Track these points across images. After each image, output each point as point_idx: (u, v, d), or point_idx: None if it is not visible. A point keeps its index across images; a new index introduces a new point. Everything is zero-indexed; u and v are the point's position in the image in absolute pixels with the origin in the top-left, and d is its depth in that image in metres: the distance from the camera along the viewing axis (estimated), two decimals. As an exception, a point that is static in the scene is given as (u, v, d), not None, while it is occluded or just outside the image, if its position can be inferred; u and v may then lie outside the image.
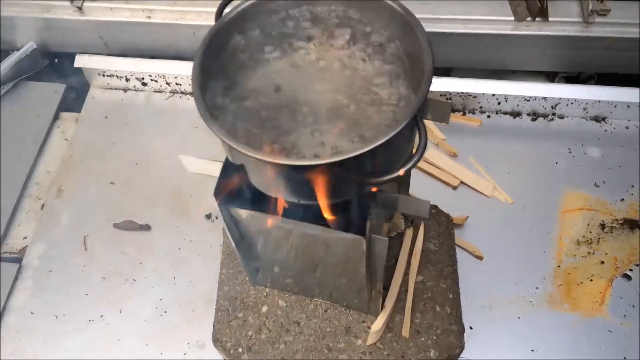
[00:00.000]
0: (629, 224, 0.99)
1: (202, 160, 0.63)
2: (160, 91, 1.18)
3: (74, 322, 0.92)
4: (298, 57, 0.61)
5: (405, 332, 0.78)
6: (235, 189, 0.61)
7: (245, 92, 0.60)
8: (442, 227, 0.88)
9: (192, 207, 1.04)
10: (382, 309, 0.79)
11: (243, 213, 0.63)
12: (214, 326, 0.81)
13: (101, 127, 1.14)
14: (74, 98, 1.21)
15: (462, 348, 0.79)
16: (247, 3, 0.60)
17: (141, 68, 1.13)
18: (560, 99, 1.08)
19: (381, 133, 0.47)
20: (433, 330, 0.79)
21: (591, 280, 0.94)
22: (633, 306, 0.91)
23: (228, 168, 0.61)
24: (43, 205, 1.05)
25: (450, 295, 0.82)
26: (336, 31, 0.59)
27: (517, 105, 1.11)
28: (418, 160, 0.46)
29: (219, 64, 0.59)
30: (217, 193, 0.61)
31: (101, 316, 0.93)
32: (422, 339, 0.79)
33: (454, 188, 1.03)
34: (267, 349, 0.78)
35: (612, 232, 0.98)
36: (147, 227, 1.01)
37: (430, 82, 0.49)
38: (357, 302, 0.80)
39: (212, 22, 1.11)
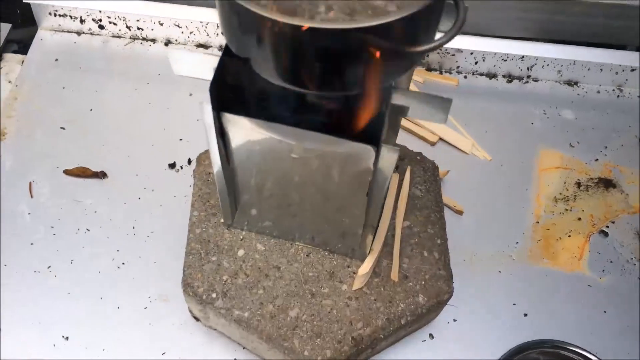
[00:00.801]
0: (603, 183, 0.99)
1: (196, 54, 0.54)
2: (118, 36, 1.09)
3: (16, 274, 0.82)
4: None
5: (394, 275, 0.74)
6: (231, 93, 0.54)
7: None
8: (427, 173, 0.84)
9: (153, 155, 0.95)
10: (369, 252, 0.74)
11: (238, 121, 0.56)
12: (183, 271, 0.73)
13: (50, 70, 1.04)
14: (21, 40, 1.09)
15: (451, 294, 0.75)
16: None
17: (100, 6, 1.04)
18: (536, 58, 1.07)
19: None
20: (421, 275, 0.75)
21: (569, 236, 0.92)
22: (611, 262, 0.90)
23: (225, 64, 0.54)
24: (-18, 148, 0.94)
25: (438, 241, 0.78)
26: None
27: (494, 65, 1.09)
28: (456, 33, 0.42)
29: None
30: (211, 91, 0.53)
31: (48, 267, 0.83)
32: (410, 284, 0.74)
33: (433, 144, 1.00)
34: (244, 294, 0.71)
35: (587, 191, 0.98)
36: (102, 175, 0.92)
37: None
38: (341, 246, 0.75)
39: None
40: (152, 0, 1.05)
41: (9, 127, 0.96)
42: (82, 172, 0.92)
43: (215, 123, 0.56)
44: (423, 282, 0.74)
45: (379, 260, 0.75)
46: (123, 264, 0.84)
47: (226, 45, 0.52)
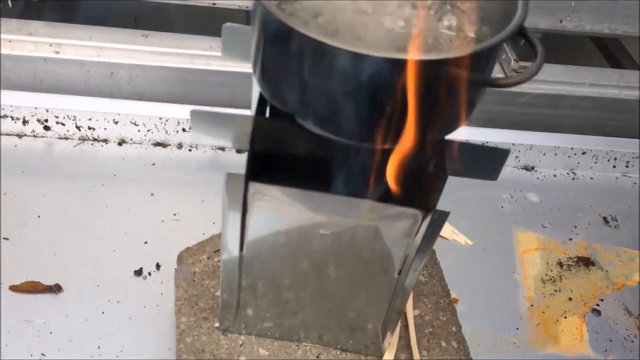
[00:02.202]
0: (582, 261, 0.99)
1: (216, 110, 0.48)
2: (65, 138, 1.00)
3: (-48, 418, 0.66)
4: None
5: (419, 371, 0.66)
6: (263, 161, 0.48)
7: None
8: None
9: (115, 262, 0.84)
10: (388, 346, 0.66)
11: (269, 193, 0.49)
12: (177, 390, 0.62)
13: (-14, 176, 0.92)
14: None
15: (478, 386, 0.68)
16: None
17: (47, 104, 0.95)
18: (495, 144, 1.09)
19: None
20: (445, 368, 0.68)
21: (565, 317, 0.90)
22: (610, 340, 0.88)
23: (259, 126, 0.48)
24: None
25: (453, 329, 0.72)
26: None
27: (457, 153, 1.10)
28: (540, 66, 0.40)
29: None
30: (249, 157, 0.46)
31: (-5, 406, 0.67)
32: (436, 379, 0.67)
33: (413, 232, 0.97)
34: (254, 411, 0.61)
35: (570, 270, 0.97)
36: (57, 288, 0.79)
37: None
38: (352, 343, 0.67)
39: (133, 61, 1.01)
40: (107, 97, 0.98)
41: (-61, 240, 0.82)
42: (32, 288, 0.78)
43: (241, 197, 0.49)
44: (448, 376, 0.67)
45: (395, 355, 0.68)
46: (88, 392, 0.70)
47: (258, 106, 0.47)
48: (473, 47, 0.39)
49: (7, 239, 0.84)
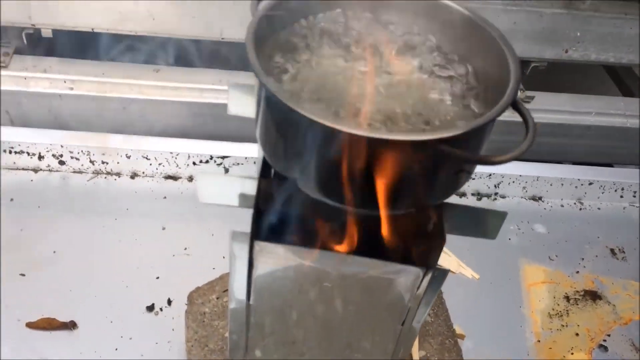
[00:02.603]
0: (589, 295, 0.99)
1: (226, 178, 0.50)
2: (80, 172, 1.02)
3: None
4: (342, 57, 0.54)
5: (425, 415, 0.67)
6: (268, 219, 0.49)
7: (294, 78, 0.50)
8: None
9: (127, 298, 0.86)
10: (394, 390, 0.67)
11: (273, 250, 0.51)
12: None
13: (5, 211, 0.94)
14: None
15: None
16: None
17: (61, 141, 0.98)
18: (502, 176, 1.11)
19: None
20: (451, 411, 0.69)
21: (572, 353, 0.90)
22: (618, 376, 0.89)
23: (262, 188, 0.49)
24: None
25: (460, 370, 0.73)
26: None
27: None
28: (532, 141, 0.41)
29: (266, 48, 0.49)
30: (253, 217, 0.48)
31: None
32: (441, 422, 0.68)
33: (420, 266, 0.98)
34: None
35: (577, 304, 0.98)
36: (72, 325, 0.81)
37: (518, 62, 0.45)
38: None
39: (144, 96, 1.03)
40: (119, 134, 1.00)
41: (-42, 277, 0.84)
42: (48, 324, 0.81)
43: (247, 254, 0.51)
44: (454, 419, 0.68)
45: (403, 398, 0.69)
46: None
47: (262, 167, 0.49)
48: (462, 126, 0.41)
49: (23, 275, 0.86)
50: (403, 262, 0.49)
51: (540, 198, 1.15)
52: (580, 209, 1.15)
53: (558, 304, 0.97)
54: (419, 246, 0.49)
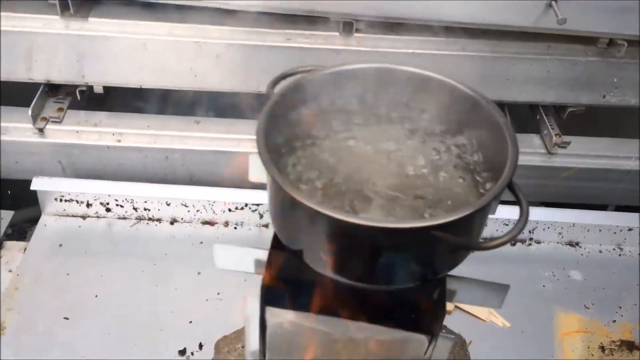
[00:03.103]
0: (626, 345, 0.97)
1: (240, 249, 0.54)
2: (124, 218, 1.08)
3: None
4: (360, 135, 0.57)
5: None
6: (279, 286, 0.53)
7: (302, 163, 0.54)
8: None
9: (161, 341, 0.90)
10: None
11: (284, 315, 0.54)
12: None
13: (54, 257, 1.01)
14: (22, 226, 1.08)
15: None
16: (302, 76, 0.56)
17: (107, 190, 1.05)
18: (537, 222, 1.10)
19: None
20: None
21: (606, 406, 0.88)
22: None
23: (273, 258, 0.53)
24: (-21, 345, 0.88)
25: None
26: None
27: (496, 230, 1.11)
28: (523, 226, 0.43)
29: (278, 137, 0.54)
30: (263, 287, 0.52)
31: None
32: None
33: (449, 313, 0.98)
34: None
35: (612, 355, 0.95)
36: (109, 367, 0.86)
37: (516, 145, 0.46)
38: None
39: (186, 147, 1.09)
40: (160, 184, 1.07)
41: (8, 320, 0.91)
42: (87, 366, 0.86)
43: (259, 318, 0.54)
44: None
45: None
46: None
47: (274, 238, 0.52)
48: (454, 213, 0.42)
49: (67, 318, 0.92)
50: (409, 329, 0.51)
51: (577, 243, 1.13)
52: (620, 255, 1.12)
53: (592, 355, 0.95)
54: (422, 315, 0.51)
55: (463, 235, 0.44)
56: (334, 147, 0.52)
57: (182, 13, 1.04)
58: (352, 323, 0.51)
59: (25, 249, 1.02)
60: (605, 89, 1.14)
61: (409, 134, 0.55)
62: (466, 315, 0.98)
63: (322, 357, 0.58)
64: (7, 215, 1.07)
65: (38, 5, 1.02)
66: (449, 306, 0.98)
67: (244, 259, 0.54)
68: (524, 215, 0.44)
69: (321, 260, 0.46)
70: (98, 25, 1.02)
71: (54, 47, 1.02)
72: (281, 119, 0.53)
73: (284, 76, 0.57)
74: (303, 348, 0.58)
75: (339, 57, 1.05)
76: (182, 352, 0.89)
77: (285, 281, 0.53)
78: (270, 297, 0.53)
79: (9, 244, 1.04)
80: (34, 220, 1.08)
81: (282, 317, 0.54)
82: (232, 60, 1.05)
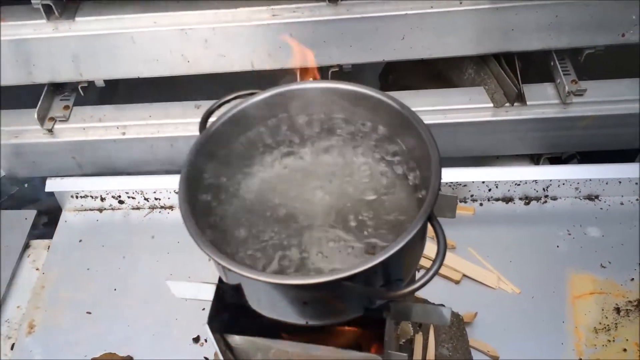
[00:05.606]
0: (644, 304, 0.94)
1: (193, 284, 0.56)
2: (138, 208, 1.13)
3: None
4: (290, 162, 0.57)
5: None
6: (230, 313, 0.54)
7: (237, 203, 0.55)
8: (453, 328, 0.81)
9: (177, 330, 0.95)
10: None
11: (240, 339, 0.56)
12: None
13: (75, 252, 1.07)
14: (46, 223, 1.14)
15: None
16: (235, 110, 0.57)
17: (117, 186, 1.09)
18: (551, 180, 1.06)
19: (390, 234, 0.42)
20: None
21: (617, 371, 0.87)
22: (668, 396, 0.84)
23: (222, 291, 0.55)
24: (13, 345, 0.95)
25: (474, 406, 0.74)
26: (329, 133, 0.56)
27: (509, 190, 1.08)
28: (438, 269, 0.41)
29: (206, 175, 0.54)
30: (211, 320, 0.54)
31: None
32: None
33: (457, 283, 0.98)
34: None
35: (628, 316, 0.93)
36: None
37: (439, 177, 0.45)
38: None
39: (189, 133, 1.11)
40: (164, 175, 1.09)
41: (37, 318, 0.98)
42: (110, 359, 0.92)
43: (219, 344, 0.56)
44: None
45: None
46: None
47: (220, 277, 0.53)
48: (359, 264, 0.42)
49: (89, 312, 0.98)
50: (358, 349, 0.52)
51: (597, 197, 1.09)
52: (643, 205, 1.07)
53: (606, 317, 0.93)
54: (375, 333, 0.51)
55: (387, 275, 0.44)
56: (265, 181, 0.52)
57: (165, 2, 1.02)
58: (303, 345, 0.52)
59: (49, 247, 1.08)
60: (624, 27, 1.06)
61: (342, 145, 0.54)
62: (474, 284, 0.98)
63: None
64: (31, 214, 1.13)
65: (24, 10, 1.03)
66: (456, 275, 0.98)
67: (198, 291, 0.56)
68: (440, 254, 0.42)
69: (256, 304, 0.48)
70: (85, 25, 1.02)
71: (47, 50, 1.04)
72: (213, 156, 0.52)
73: (211, 111, 0.56)
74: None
75: (329, 28, 1.02)
76: (196, 340, 0.94)
77: (236, 308, 0.55)
78: (223, 324, 0.55)
79: (34, 242, 1.11)
80: (56, 217, 1.14)
81: (241, 339, 0.56)
82: (220, 44, 1.04)
